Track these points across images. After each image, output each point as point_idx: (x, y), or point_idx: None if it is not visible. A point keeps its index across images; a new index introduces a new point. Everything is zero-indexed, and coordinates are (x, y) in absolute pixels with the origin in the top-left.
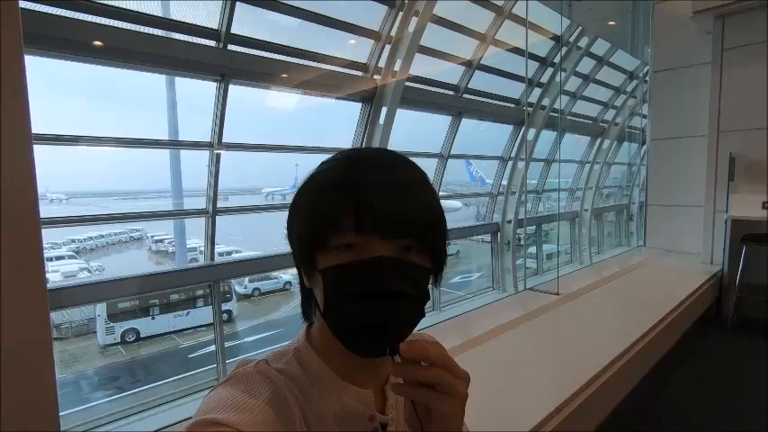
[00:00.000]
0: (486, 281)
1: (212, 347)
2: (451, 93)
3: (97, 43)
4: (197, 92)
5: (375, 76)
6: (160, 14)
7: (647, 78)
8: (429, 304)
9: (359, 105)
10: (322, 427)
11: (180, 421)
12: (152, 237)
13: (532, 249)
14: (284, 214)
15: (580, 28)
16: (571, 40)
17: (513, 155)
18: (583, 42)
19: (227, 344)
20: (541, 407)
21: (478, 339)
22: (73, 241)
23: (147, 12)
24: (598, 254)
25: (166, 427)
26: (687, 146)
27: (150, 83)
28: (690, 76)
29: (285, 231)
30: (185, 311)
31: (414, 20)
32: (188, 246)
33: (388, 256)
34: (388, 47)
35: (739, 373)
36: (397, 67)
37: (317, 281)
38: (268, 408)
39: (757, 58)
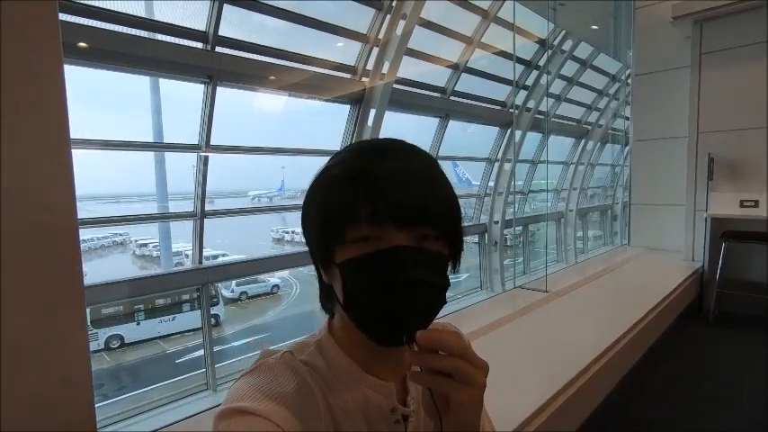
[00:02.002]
0: (474, 281)
1: (199, 352)
2: (439, 95)
3: (81, 45)
4: (181, 94)
5: (363, 79)
6: (147, 16)
7: (629, 81)
8: None
9: (347, 108)
10: (346, 419)
11: (173, 423)
12: (136, 241)
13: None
14: (271, 217)
15: (564, 31)
16: (555, 43)
17: (499, 156)
18: (567, 46)
19: (214, 348)
20: (531, 402)
21: (468, 337)
22: None
23: (134, 13)
24: (583, 253)
25: (173, 423)
26: (668, 147)
27: (134, 84)
28: (670, 80)
29: (300, 228)
30: (171, 316)
31: (401, 23)
32: (173, 249)
33: (405, 245)
34: (376, 49)
35: (721, 364)
36: (385, 70)
37: (335, 275)
38: (294, 398)
39: (734, 62)
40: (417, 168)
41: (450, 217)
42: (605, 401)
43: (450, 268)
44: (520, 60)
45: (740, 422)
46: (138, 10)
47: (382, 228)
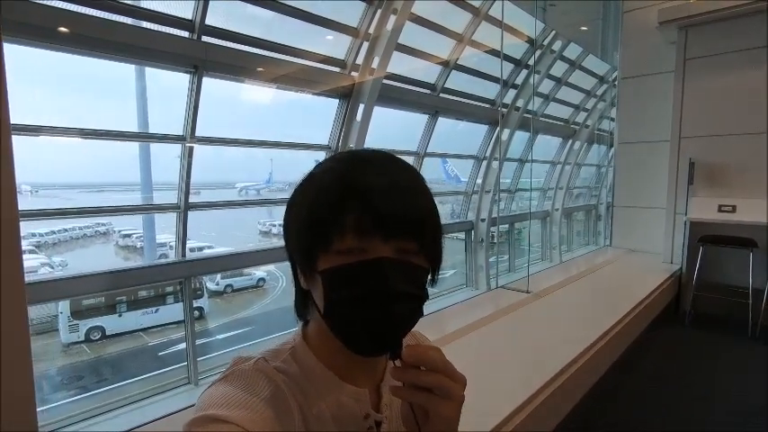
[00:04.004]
0: (460, 278)
1: (182, 345)
2: (428, 92)
3: (63, 30)
4: (169, 82)
5: (353, 73)
6: (134, 3)
7: (617, 83)
8: None
9: (335, 102)
10: (320, 426)
11: (151, 421)
12: (119, 231)
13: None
14: (258, 209)
15: (554, 32)
16: (545, 43)
17: (487, 154)
18: (556, 46)
19: (197, 341)
20: (510, 400)
21: (450, 337)
22: (33, 235)
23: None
24: (568, 251)
25: (148, 422)
26: (651, 150)
27: (119, 72)
28: (655, 84)
29: (281, 231)
30: (154, 309)
31: (392, 18)
32: (158, 241)
33: (388, 257)
34: (366, 44)
35: (696, 365)
36: (374, 65)
37: (315, 282)
38: (268, 406)
39: (716, 69)
40: (403, 182)
41: (433, 232)
42: (582, 401)
43: (429, 281)
44: (510, 59)
45: (715, 421)
46: None
47: (368, 239)
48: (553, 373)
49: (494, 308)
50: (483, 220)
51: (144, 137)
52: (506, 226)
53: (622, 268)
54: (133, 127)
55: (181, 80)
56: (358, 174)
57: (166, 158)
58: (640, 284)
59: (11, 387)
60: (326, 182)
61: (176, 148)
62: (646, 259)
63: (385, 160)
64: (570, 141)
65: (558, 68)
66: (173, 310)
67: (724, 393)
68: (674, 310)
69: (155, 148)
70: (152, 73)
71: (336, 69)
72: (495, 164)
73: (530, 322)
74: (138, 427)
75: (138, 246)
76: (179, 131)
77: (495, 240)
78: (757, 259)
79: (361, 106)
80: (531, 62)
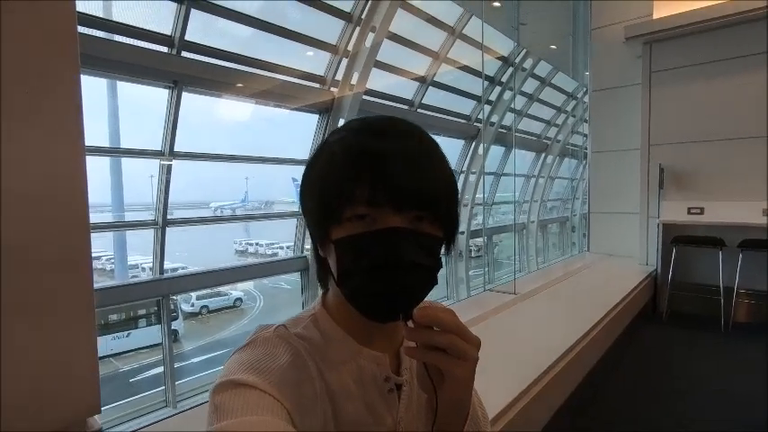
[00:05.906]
0: (440, 290)
1: (155, 370)
2: (406, 107)
3: None
4: (138, 99)
5: (332, 89)
6: (113, 18)
7: (586, 99)
8: None
9: (315, 117)
10: (340, 389)
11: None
12: None
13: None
14: (233, 230)
15: (525, 50)
16: (517, 61)
17: (464, 169)
18: (527, 64)
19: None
20: (500, 397)
21: None
22: None
23: (98, 15)
24: (544, 263)
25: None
26: (623, 158)
27: (90, 89)
28: (624, 96)
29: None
30: (125, 332)
31: (371, 35)
32: (129, 262)
33: (400, 227)
34: (345, 60)
35: (673, 359)
36: (354, 81)
37: (330, 250)
38: (289, 370)
39: (680, 80)
40: (417, 150)
41: (447, 201)
42: (569, 398)
43: (444, 250)
44: (485, 76)
45: (693, 413)
46: (97, 10)
47: (379, 209)
48: (540, 372)
49: (483, 309)
50: (462, 233)
51: (122, 152)
52: (484, 239)
53: (601, 271)
54: (105, 144)
55: (153, 99)
56: (368, 142)
57: (138, 180)
58: (618, 286)
59: (77, 387)
60: (338, 150)
61: (148, 170)
62: (623, 262)
63: (397, 127)
64: (543, 155)
65: (530, 85)
66: (146, 334)
67: (702, 386)
68: (652, 308)
69: (126, 168)
70: (124, 91)
71: (316, 85)
72: (471, 178)
73: (515, 323)
74: (145, 426)
75: (108, 268)
76: (153, 149)
77: (473, 254)
78: (726, 258)
79: (341, 121)
80: (503, 79)
